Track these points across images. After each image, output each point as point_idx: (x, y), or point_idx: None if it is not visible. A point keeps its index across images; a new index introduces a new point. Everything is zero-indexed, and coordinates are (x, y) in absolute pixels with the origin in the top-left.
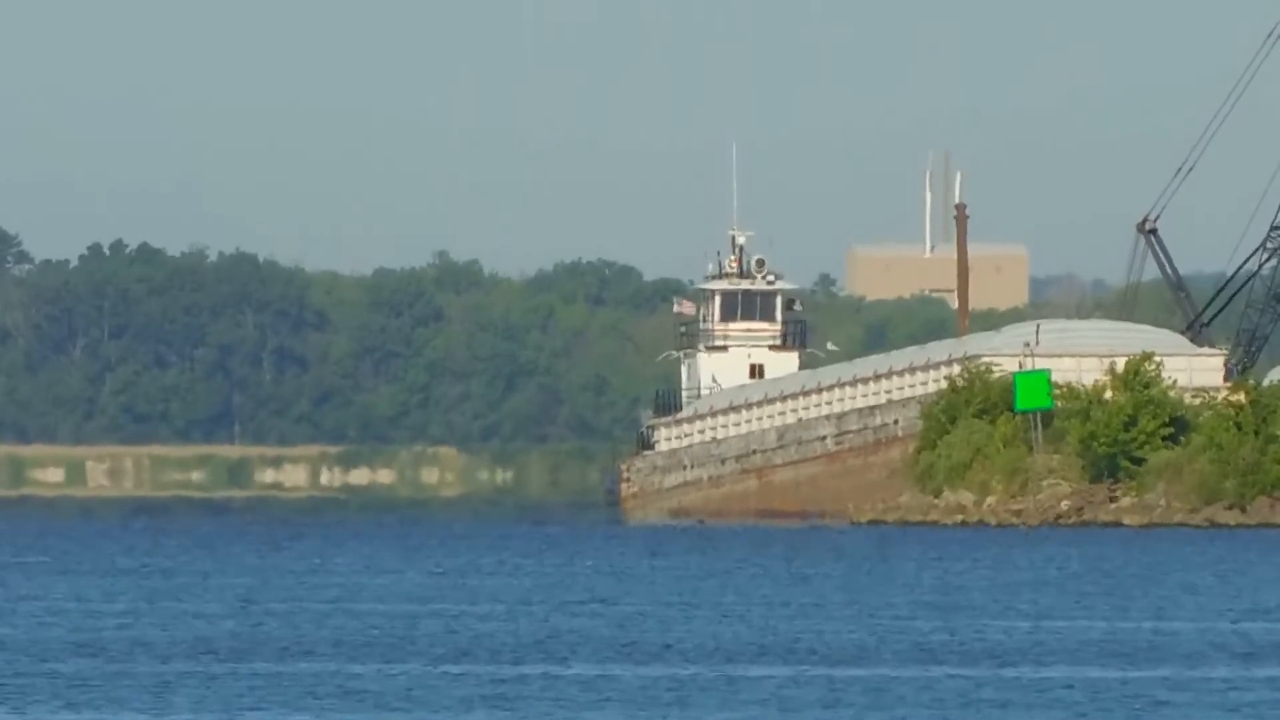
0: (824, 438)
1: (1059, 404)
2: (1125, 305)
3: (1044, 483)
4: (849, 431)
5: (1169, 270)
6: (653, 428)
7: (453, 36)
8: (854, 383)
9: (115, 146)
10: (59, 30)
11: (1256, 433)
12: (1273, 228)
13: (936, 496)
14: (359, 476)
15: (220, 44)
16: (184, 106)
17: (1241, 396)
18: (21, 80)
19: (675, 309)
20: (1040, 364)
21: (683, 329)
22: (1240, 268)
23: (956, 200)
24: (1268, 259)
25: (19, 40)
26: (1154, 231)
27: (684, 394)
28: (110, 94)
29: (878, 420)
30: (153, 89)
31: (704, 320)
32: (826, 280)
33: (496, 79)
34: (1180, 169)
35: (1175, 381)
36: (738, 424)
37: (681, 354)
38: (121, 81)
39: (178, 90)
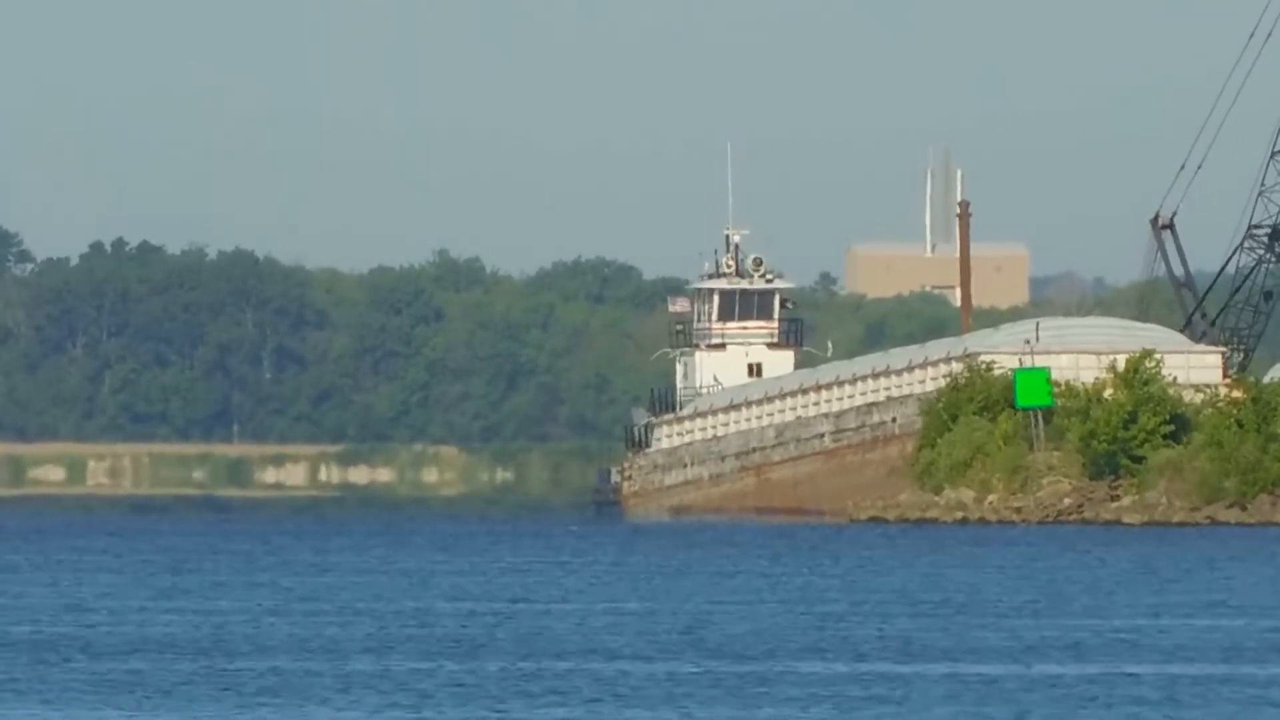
0: (822, 435)
1: (1059, 402)
2: (1142, 303)
3: (1044, 480)
4: (847, 430)
5: (1175, 267)
6: (650, 426)
7: (452, 36)
8: (852, 381)
9: (115, 145)
10: (59, 30)
11: (1258, 430)
12: (1250, 227)
13: (937, 494)
14: (358, 475)
15: (220, 43)
16: (184, 105)
17: (1242, 394)
18: (22, 80)
19: (670, 308)
20: (1039, 361)
21: (678, 328)
22: (1222, 268)
23: (958, 198)
24: (1256, 263)
25: (19, 40)
26: (1169, 227)
27: (680, 393)
28: (110, 93)
29: (875, 418)
30: (153, 88)
31: (701, 319)
32: (826, 279)
33: (496, 78)
34: (1184, 164)
35: (1175, 379)
36: (737, 422)
37: (678, 353)
38: (121, 80)
39: (177, 89)
